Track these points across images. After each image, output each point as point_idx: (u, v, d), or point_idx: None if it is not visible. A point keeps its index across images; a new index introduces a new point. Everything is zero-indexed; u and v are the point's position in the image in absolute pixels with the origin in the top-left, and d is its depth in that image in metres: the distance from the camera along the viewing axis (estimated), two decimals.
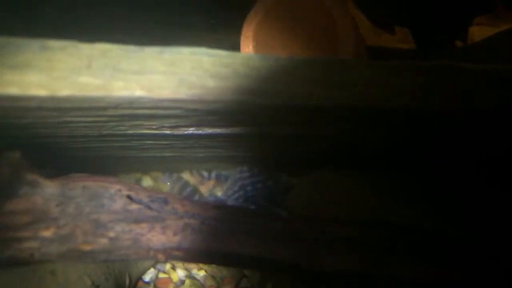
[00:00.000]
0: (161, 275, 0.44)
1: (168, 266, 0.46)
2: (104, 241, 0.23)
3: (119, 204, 0.24)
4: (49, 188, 0.24)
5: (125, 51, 0.21)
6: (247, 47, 0.47)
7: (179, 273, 0.45)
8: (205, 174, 0.70)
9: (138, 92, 0.20)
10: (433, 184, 0.48)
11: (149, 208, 0.24)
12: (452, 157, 0.48)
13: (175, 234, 0.23)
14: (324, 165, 0.55)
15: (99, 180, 0.25)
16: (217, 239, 0.23)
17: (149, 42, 0.22)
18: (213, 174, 0.70)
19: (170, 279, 0.44)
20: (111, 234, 0.23)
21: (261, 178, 0.64)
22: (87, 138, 0.34)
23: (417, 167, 0.54)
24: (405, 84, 0.22)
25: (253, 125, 0.32)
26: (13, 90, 0.19)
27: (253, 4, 0.56)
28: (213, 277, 0.44)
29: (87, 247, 0.23)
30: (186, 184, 0.66)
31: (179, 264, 0.47)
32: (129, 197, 0.24)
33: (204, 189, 0.67)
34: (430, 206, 0.44)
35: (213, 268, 0.46)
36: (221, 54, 0.22)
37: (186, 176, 0.70)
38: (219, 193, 0.66)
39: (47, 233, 0.23)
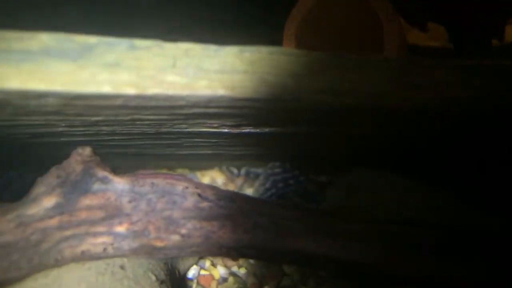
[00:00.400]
0: (203, 272, 0.45)
1: (208, 263, 0.46)
2: (176, 237, 0.24)
3: (190, 201, 0.24)
4: (120, 185, 0.25)
5: (206, 50, 0.21)
6: (290, 45, 0.46)
7: (220, 270, 0.46)
8: (235, 171, 0.69)
9: (221, 91, 0.20)
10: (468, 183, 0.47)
11: (220, 206, 0.24)
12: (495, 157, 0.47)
13: (245, 232, 0.24)
14: (363, 163, 0.54)
15: (166, 177, 0.26)
16: (287, 238, 0.24)
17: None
18: (243, 171, 0.69)
19: (212, 276, 0.44)
20: (183, 231, 0.24)
21: (293, 174, 0.63)
22: (142, 135, 0.34)
23: (454, 168, 0.53)
24: (483, 85, 0.22)
25: (306, 124, 0.32)
26: (106, 89, 0.19)
27: (283, 1, 0.56)
28: (254, 275, 0.45)
29: (160, 243, 0.24)
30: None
31: (219, 261, 0.47)
32: (199, 195, 0.25)
33: (232, 187, 0.67)
34: (467, 205, 0.43)
35: (253, 266, 0.46)
36: (297, 53, 0.22)
37: (215, 173, 0.70)
38: (248, 190, 0.66)
39: (120, 229, 0.24)
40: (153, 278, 0.26)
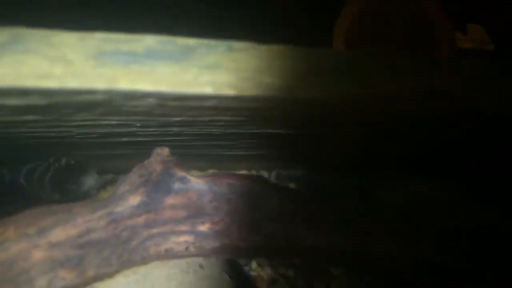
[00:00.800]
0: (252, 272, 0.45)
1: (254, 264, 0.46)
2: (258, 238, 0.24)
3: (271, 202, 0.24)
4: (198, 185, 0.25)
5: (298, 53, 0.21)
6: (339, 46, 0.46)
7: (267, 271, 0.46)
8: (265, 174, 0.69)
9: (318, 94, 0.20)
10: None
11: (301, 207, 0.24)
12: None
13: (328, 235, 0.24)
14: (407, 169, 0.54)
15: (240, 177, 0.26)
16: (365, 240, 0.23)
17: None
18: (273, 174, 0.69)
19: (261, 276, 0.45)
20: (266, 232, 0.24)
21: (328, 177, 0.63)
22: (206, 136, 0.35)
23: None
24: None
25: (366, 125, 0.31)
26: (208, 90, 0.19)
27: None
28: (303, 277, 0.45)
29: (243, 244, 0.24)
30: None
31: (265, 263, 0.47)
32: (280, 196, 0.25)
33: None
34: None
35: (301, 268, 0.46)
36: (387, 55, 0.22)
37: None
38: None
39: (202, 228, 0.24)
40: (227, 277, 0.27)
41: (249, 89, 0.20)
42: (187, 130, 0.31)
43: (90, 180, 0.50)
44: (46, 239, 0.21)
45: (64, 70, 0.18)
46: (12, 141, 0.35)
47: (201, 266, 0.25)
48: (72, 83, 0.18)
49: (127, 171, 0.54)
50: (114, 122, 0.27)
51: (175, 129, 0.31)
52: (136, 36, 0.19)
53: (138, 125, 0.28)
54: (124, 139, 0.36)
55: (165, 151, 0.26)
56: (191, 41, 0.20)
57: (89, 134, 0.32)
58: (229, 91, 0.20)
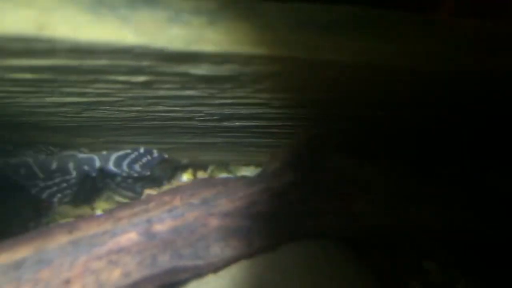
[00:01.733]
0: None
1: None
2: (403, 218, 0.23)
3: (414, 184, 0.24)
4: (346, 165, 0.25)
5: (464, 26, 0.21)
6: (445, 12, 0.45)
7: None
8: None
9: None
10: None
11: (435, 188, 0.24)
12: None
13: (461, 217, 0.23)
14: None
15: (382, 160, 0.26)
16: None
17: None
18: None
19: None
20: (408, 212, 0.24)
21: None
22: (318, 121, 0.34)
23: None
24: None
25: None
26: (405, 62, 0.19)
27: None
28: (396, 271, 0.44)
29: (393, 224, 0.24)
30: None
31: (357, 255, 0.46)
32: (422, 178, 0.24)
33: None
34: None
35: (386, 259, 0.45)
36: None
37: None
38: None
39: (354, 208, 0.24)
40: (352, 255, 0.26)
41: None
42: (311, 111, 0.31)
43: (178, 171, 0.51)
44: (217, 208, 0.22)
45: (273, 37, 0.18)
46: (132, 122, 0.35)
47: (335, 247, 0.25)
48: (279, 51, 0.18)
49: (202, 166, 0.53)
50: (258, 101, 0.27)
51: (301, 110, 0.30)
52: (328, 6, 0.20)
53: (276, 104, 0.28)
54: (237, 123, 0.36)
55: (310, 131, 0.26)
56: (383, 13, 0.20)
57: (212, 115, 0.32)
58: (402, 62, 0.20)
